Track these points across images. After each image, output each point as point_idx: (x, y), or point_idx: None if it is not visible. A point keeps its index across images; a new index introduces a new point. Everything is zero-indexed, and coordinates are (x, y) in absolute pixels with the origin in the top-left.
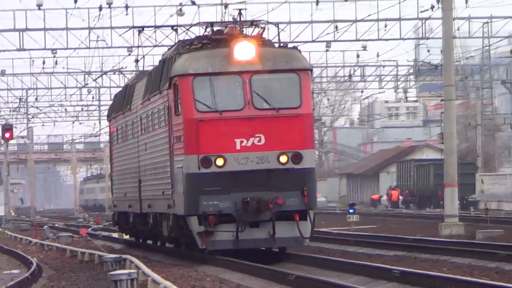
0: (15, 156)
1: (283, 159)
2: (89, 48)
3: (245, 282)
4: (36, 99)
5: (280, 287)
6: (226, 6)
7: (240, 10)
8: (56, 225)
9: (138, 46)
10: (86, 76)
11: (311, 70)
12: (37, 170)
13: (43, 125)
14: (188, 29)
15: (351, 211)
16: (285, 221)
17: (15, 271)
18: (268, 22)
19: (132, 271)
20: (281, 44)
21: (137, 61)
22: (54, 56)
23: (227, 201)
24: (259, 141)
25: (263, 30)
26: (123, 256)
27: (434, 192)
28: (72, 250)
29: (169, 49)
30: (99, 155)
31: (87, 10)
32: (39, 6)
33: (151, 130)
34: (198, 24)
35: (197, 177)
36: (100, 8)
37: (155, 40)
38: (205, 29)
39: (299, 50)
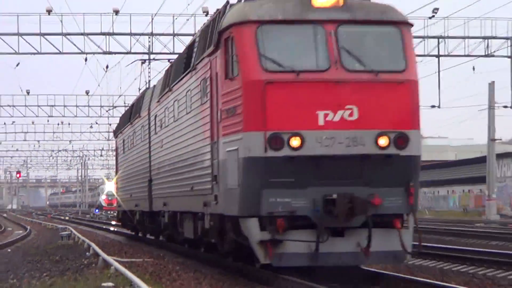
0: (21, 184)
1: (383, 141)
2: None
3: None
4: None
5: None
6: None
7: None
8: (38, 213)
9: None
10: None
11: (412, 27)
12: (30, 190)
13: (33, 171)
14: None
15: None
16: (381, 228)
17: (21, 231)
18: None
19: (69, 232)
20: None
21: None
22: None
23: (303, 198)
24: (351, 115)
25: None
26: (67, 226)
27: None
28: (44, 223)
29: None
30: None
31: None
32: None
33: (172, 122)
34: None
35: (262, 163)
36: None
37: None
38: None
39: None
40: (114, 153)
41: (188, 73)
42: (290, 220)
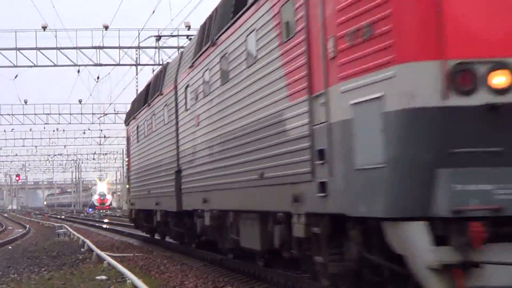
0: (20, 186)
1: None
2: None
3: None
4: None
5: None
6: None
7: None
8: (36, 212)
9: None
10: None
11: None
12: (28, 191)
13: (31, 174)
14: None
15: None
16: None
17: (20, 230)
18: None
19: (65, 230)
20: None
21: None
22: None
23: None
24: None
25: None
26: (63, 224)
27: None
28: (42, 222)
29: None
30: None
31: None
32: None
33: (220, 86)
34: None
35: (438, 120)
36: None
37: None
38: None
39: None
40: (126, 143)
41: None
42: (493, 225)
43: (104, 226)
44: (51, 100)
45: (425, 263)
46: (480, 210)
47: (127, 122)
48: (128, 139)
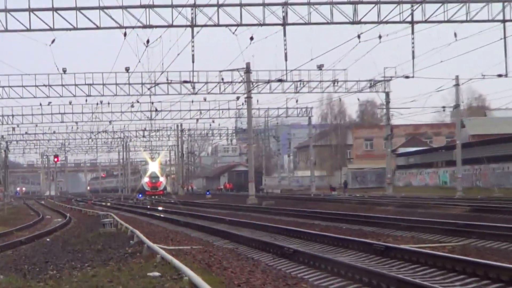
0: (59, 168)
1: None
2: None
3: None
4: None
5: None
6: None
7: None
8: (77, 199)
9: None
10: None
11: None
12: (68, 175)
13: (71, 155)
14: None
15: (207, 193)
16: None
17: (60, 219)
18: None
19: (111, 219)
20: None
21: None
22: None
23: None
24: None
25: None
26: (108, 213)
27: (244, 185)
28: (84, 210)
29: None
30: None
31: None
32: None
33: None
34: None
35: None
36: None
37: None
38: None
39: None
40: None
41: None
42: None
43: (157, 214)
44: (93, 68)
45: None
46: None
47: None
48: None
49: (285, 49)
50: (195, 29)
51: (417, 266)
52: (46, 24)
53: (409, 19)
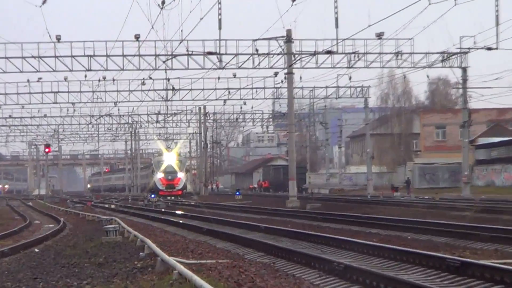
0: (51, 161)
1: None
2: None
3: None
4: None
5: None
6: None
7: None
8: (73, 200)
9: None
10: None
11: None
12: (63, 169)
13: (66, 144)
14: None
15: (237, 193)
16: None
17: (51, 225)
18: None
19: (116, 225)
20: None
21: None
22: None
23: None
24: None
25: None
26: (112, 217)
27: (284, 183)
28: (83, 214)
29: None
30: (98, 162)
31: None
32: None
33: None
34: None
35: None
36: None
37: None
38: None
39: None
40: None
41: None
42: None
43: (174, 219)
44: (94, 36)
45: None
46: None
47: None
48: None
49: (336, 13)
50: None
51: (501, 287)
52: None
53: None
